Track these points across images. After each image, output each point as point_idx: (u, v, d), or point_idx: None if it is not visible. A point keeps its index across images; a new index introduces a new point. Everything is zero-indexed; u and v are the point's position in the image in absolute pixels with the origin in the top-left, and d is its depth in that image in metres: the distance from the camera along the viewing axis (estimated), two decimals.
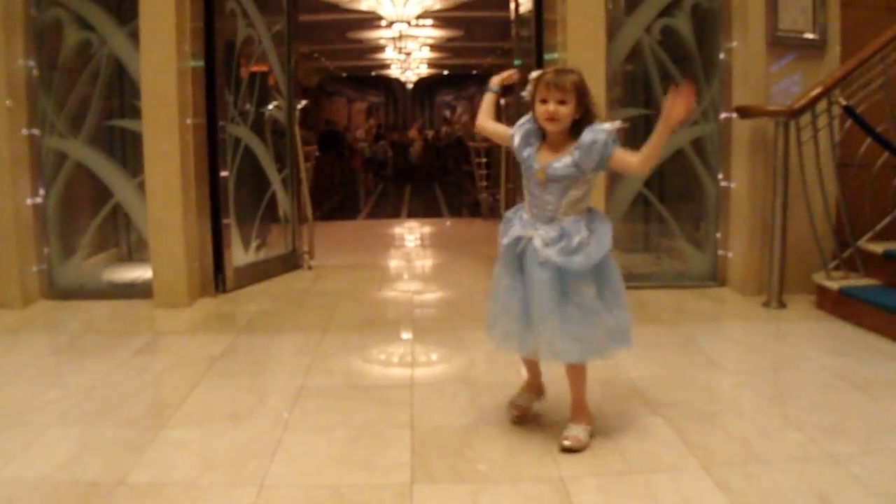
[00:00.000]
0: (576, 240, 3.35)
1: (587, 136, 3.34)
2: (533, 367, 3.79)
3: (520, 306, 3.49)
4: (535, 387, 3.82)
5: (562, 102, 3.34)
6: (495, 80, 3.79)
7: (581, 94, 3.37)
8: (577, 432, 3.45)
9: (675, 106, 3.18)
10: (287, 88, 7.32)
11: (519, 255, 3.49)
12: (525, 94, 3.51)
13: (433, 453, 3.39)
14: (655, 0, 6.24)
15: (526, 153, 3.48)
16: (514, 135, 3.53)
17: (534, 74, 3.47)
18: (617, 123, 3.41)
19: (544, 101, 3.37)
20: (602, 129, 3.35)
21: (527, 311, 3.47)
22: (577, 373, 3.52)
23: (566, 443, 3.41)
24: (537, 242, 3.40)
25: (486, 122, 3.73)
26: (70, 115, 6.23)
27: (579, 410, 3.54)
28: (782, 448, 3.40)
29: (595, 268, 3.40)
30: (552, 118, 3.36)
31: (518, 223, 3.52)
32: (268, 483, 3.13)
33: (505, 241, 3.53)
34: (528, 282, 3.44)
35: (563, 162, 3.37)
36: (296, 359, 4.74)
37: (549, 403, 3.83)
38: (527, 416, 3.74)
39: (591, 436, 3.49)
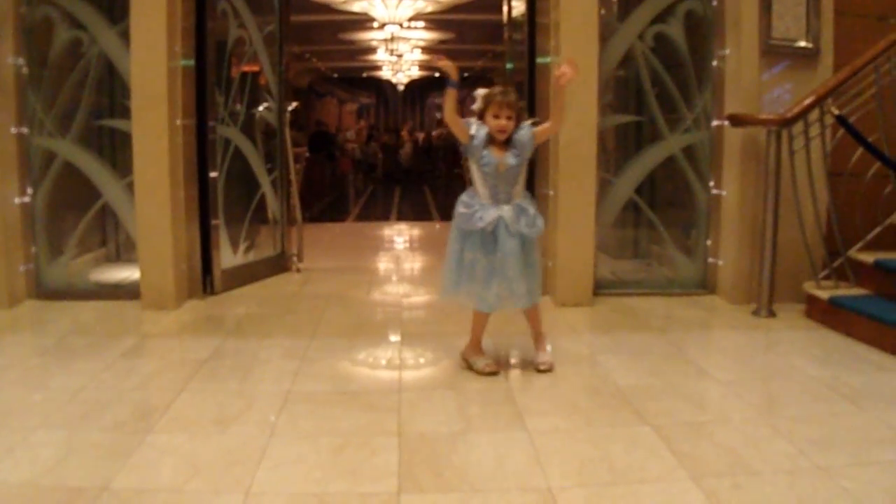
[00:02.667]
0: (531, 213, 4.41)
1: (517, 135, 4.35)
2: (484, 322, 4.62)
3: (483, 273, 4.40)
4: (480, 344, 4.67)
5: (509, 118, 4.30)
6: (455, 77, 4.40)
7: (519, 108, 4.37)
8: (546, 357, 4.58)
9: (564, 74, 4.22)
10: (278, 89, 7.28)
11: (485, 234, 4.36)
12: (475, 107, 4.43)
13: (421, 462, 3.37)
14: (649, 6, 6.23)
15: (485, 153, 4.34)
16: (475, 137, 4.37)
17: (482, 92, 4.41)
18: (528, 121, 4.51)
19: (496, 117, 4.30)
20: (522, 126, 4.38)
21: (489, 276, 4.38)
22: (538, 311, 4.65)
23: (543, 367, 4.53)
24: (507, 220, 4.35)
25: (455, 116, 4.38)
26: (59, 113, 6.18)
27: (544, 339, 4.65)
28: (771, 459, 3.39)
29: None
30: (503, 130, 4.31)
31: (482, 210, 4.38)
32: (253, 490, 3.10)
33: (481, 224, 4.35)
34: (501, 251, 4.34)
35: (510, 157, 4.33)
36: (283, 363, 4.71)
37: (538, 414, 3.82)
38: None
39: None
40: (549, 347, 4.65)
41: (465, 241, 4.44)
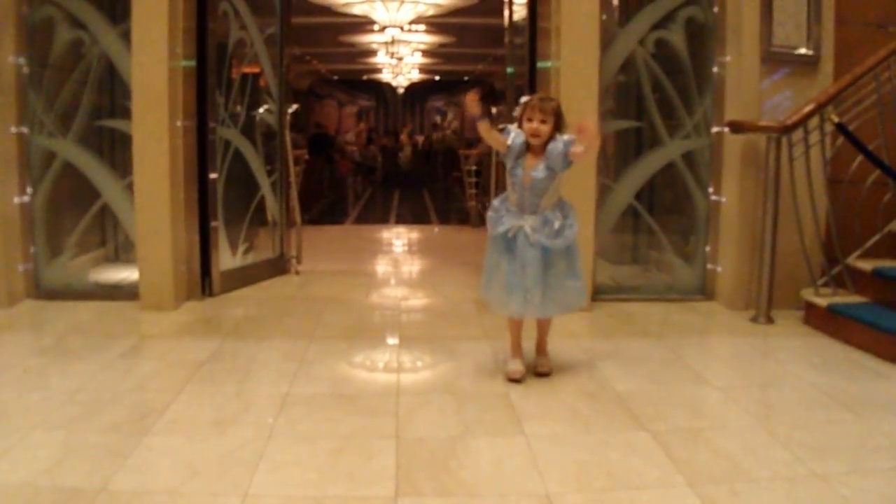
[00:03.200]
0: (556, 225, 4.36)
1: (551, 146, 4.31)
2: (517, 328, 4.63)
3: (506, 279, 4.42)
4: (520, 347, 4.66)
5: (543, 122, 4.28)
6: (481, 115, 4.31)
7: (558, 116, 4.32)
8: (546, 361, 4.65)
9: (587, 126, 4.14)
10: (278, 91, 7.28)
11: (508, 240, 4.41)
12: (515, 114, 4.51)
13: (418, 466, 3.37)
14: (650, 12, 6.24)
15: (516, 162, 4.37)
16: (511, 146, 4.36)
17: (524, 99, 4.44)
18: (566, 136, 4.33)
19: (529, 120, 4.31)
20: (559, 139, 4.30)
21: (511, 282, 4.39)
22: (547, 323, 4.70)
23: (542, 370, 4.60)
24: (528, 229, 4.35)
25: (491, 134, 4.39)
26: (59, 113, 6.19)
27: (545, 346, 4.71)
28: (769, 466, 3.39)
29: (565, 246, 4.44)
30: (536, 134, 4.30)
31: (507, 215, 4.44)
32: (251, 493, 3.10)
33: (500, 229, 4.42)
34: (520, 259, 4.36)
35: (540, 169, 4.31)
36: (282, 366, 4.70)
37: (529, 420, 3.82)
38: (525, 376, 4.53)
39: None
40: (548, 358, 4.69)
41: (493, 245, 4.52)
